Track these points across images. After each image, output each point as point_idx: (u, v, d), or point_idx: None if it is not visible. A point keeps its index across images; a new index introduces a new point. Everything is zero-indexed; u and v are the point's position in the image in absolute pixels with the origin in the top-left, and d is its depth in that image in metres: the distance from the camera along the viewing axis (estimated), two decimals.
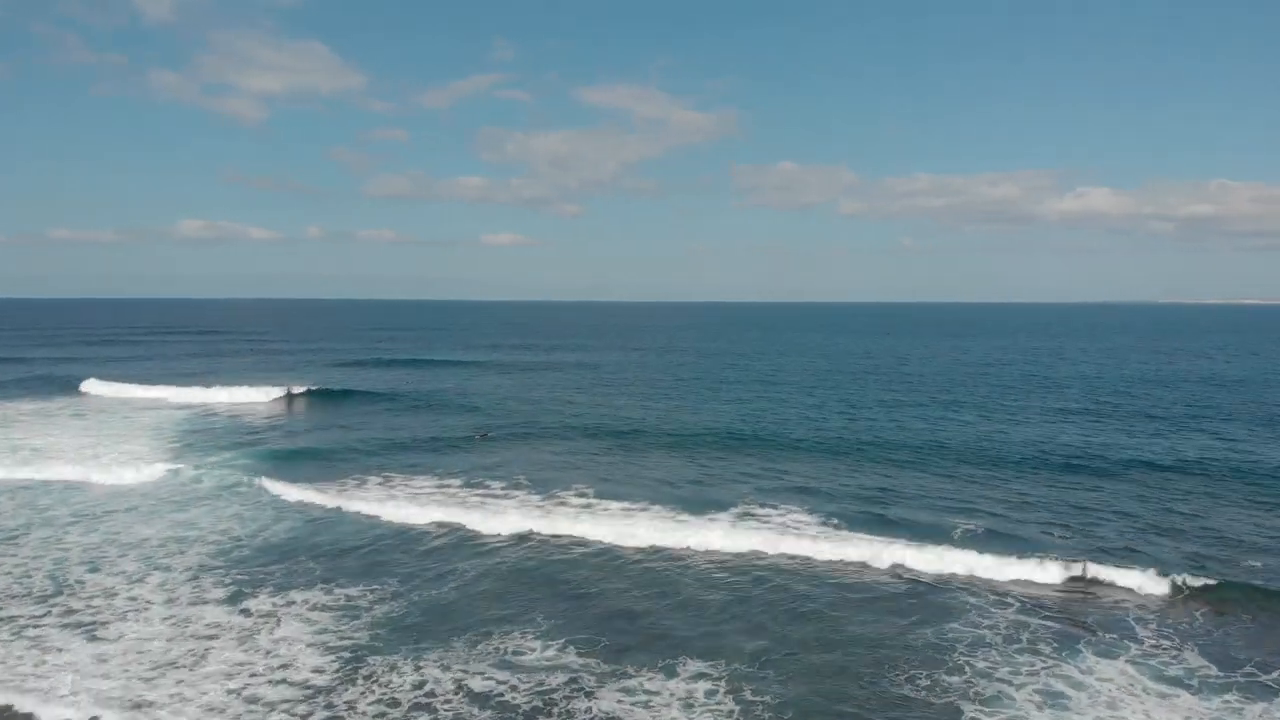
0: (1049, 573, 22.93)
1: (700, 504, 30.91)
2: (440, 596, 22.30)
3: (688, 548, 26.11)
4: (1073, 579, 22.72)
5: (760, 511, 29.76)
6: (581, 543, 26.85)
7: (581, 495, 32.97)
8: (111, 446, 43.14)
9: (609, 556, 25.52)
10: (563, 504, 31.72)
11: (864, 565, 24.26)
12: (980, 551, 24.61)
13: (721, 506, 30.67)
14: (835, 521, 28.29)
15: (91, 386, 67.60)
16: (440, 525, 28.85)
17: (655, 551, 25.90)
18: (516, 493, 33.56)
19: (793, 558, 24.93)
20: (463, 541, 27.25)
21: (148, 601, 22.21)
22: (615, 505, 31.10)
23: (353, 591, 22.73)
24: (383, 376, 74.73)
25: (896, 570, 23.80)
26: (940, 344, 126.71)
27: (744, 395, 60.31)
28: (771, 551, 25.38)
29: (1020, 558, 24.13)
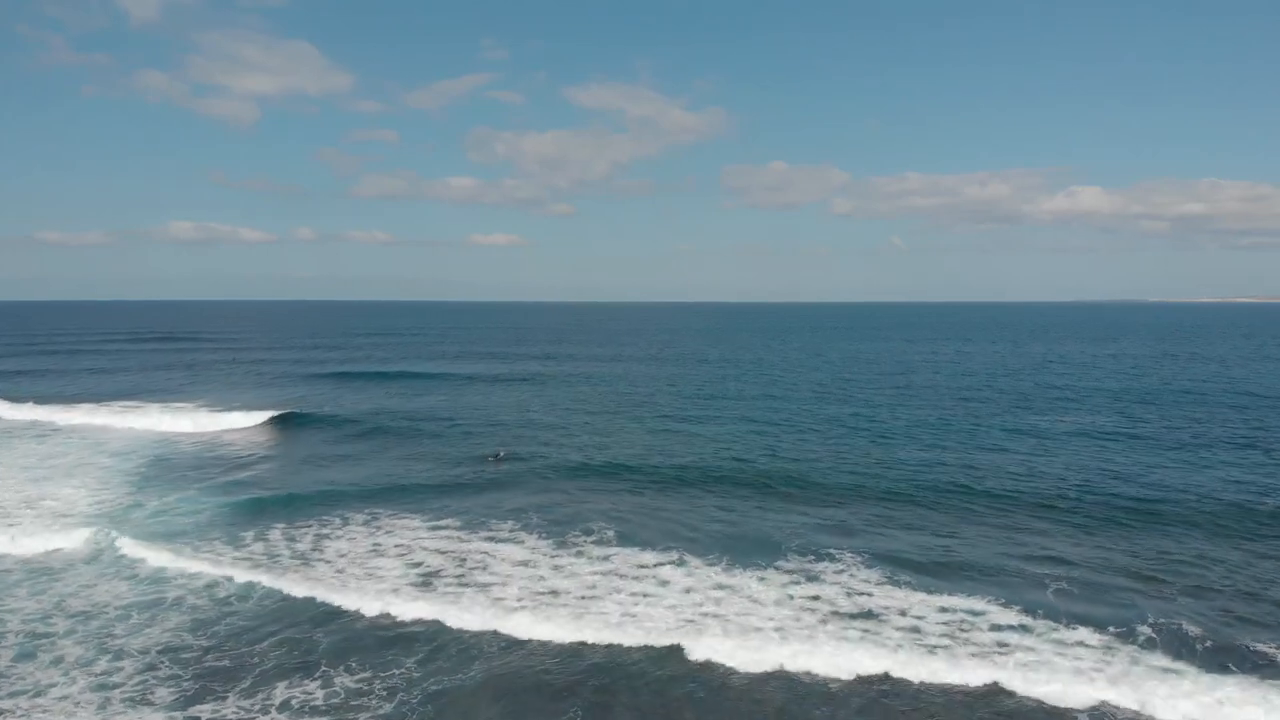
0: (1186, 680, 18.70)
1: (740, 557, 26.92)
2: (441, 710, 18.13)
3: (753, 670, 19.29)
4: (1218, 687, 18.63)
5: (815, 568, 25.78)
6: (617, 649, 20.47)
7: (601, 542, 28.94)
8: (54, 487, 38.71)
9: (660, 664, 19.80)
10: (580, 554, 27.65)
11: (963, 688, 18.37)
12: (1083, 646, 20.76)
13: (766, 556, 26.76)
14: (904, 584, 24.36)
15: None
16: (438, 614, 22.53)
17: (713, 668, 19.51)
18: (527, 538, 29.49)
19: (881, 678, 18.83)
20: (469, 636, 21.46)
21: (77, 703, 18.04)
22: (643, 558, 27.05)
23: (336, 693, 18.62)
24: (370, 393, 70.17)
25: (1011, 693, 18.11)
26: (942, 349, 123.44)
27: (755, 415, 56.19)
28: (854, 671, 19.01)
29: (1132, 652, 20.30)
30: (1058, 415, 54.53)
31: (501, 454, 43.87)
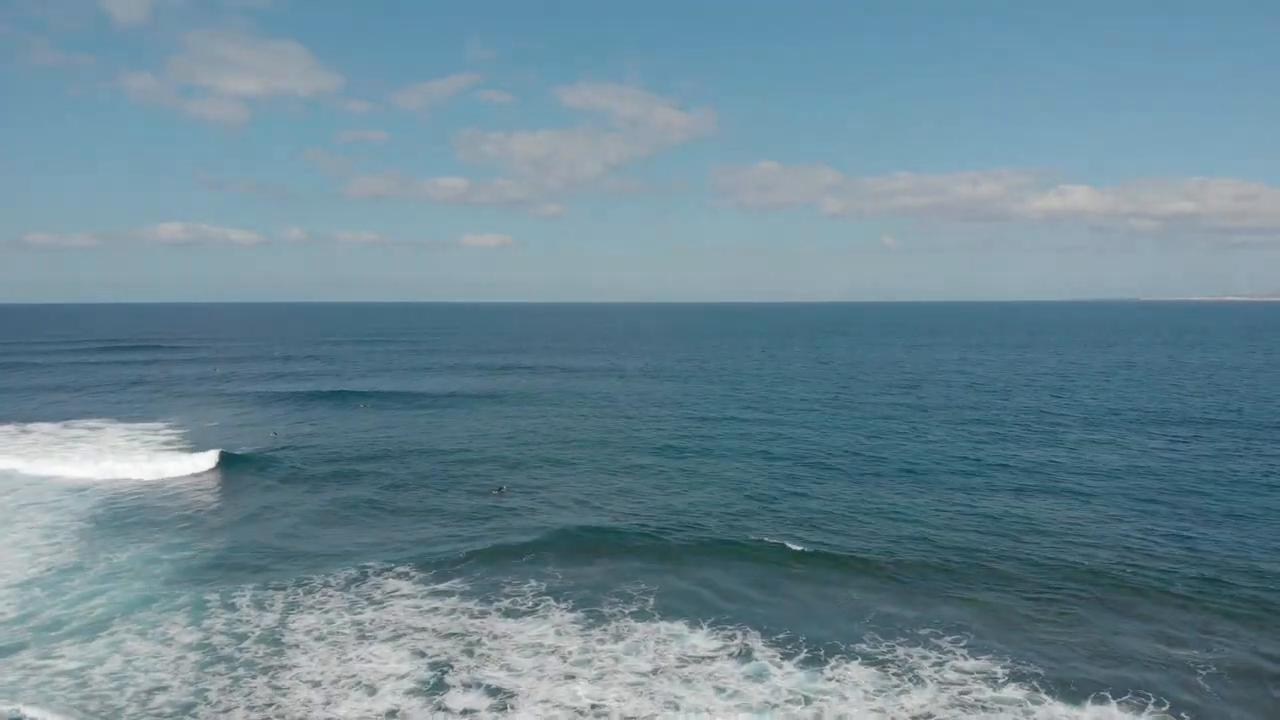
0: None
1: (811, 643, 22.11)
2: None
3: None
4: None
5: (907, 659, 20.99)
6: None
7: (639, 615, 24.07)
8: None
9: None
10: (618, 636, 22.70)
11: None
12: None
13: (841, 640, 22.04)
14: (1029, 682, 19.63)
15: None
16: None
17: None
18: (551, 611, 24.54)
19: None
20: None
21: None
22: (695, 642, 22.23)
23: None
24: (351, 418, 63.22)
25: None
26: (945, 355, 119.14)
27: (769, 445, 49.80)
28: None
29: None
30: (1103, 444, 49.36)
31: (503, 488, 39.65)
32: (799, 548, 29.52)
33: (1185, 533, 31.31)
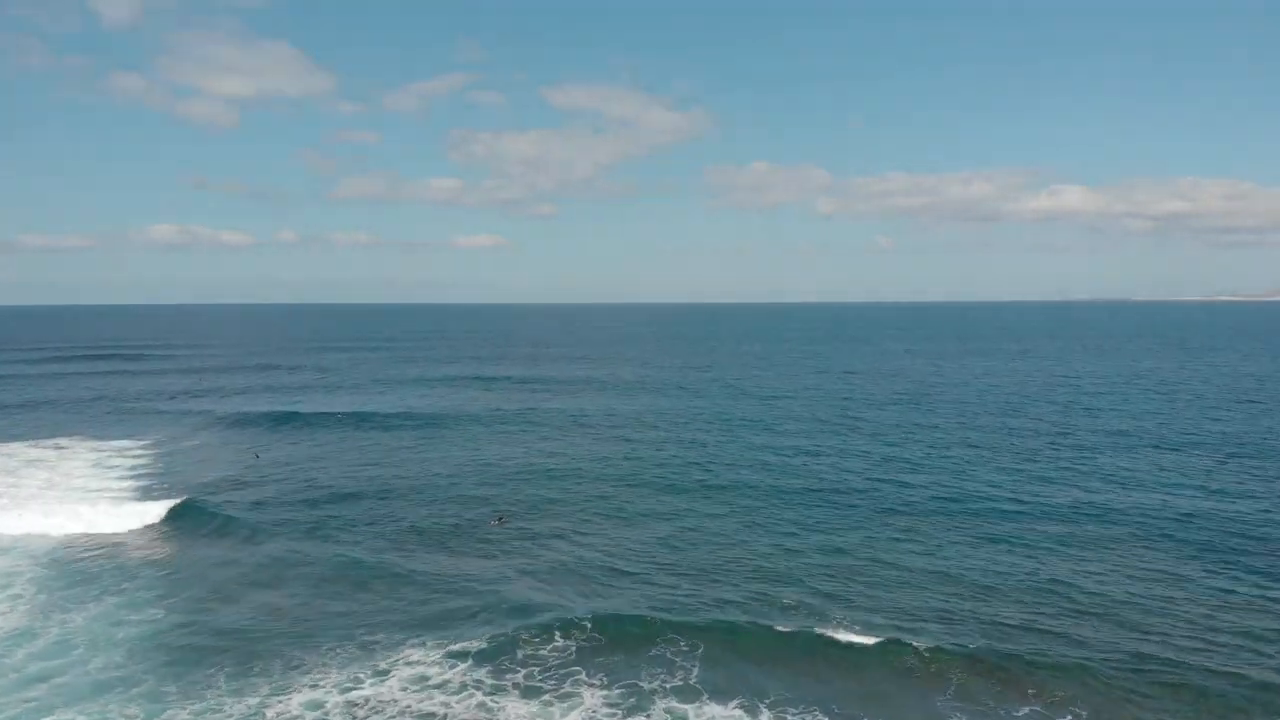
0: None
1: None
2: None
3: None
4: None
5: None
6: None
7: (684, 694, 20.62)
8: None
9: None
10: None
11: None
12: None
13: None
14: None
15: None
16: None
17: None
18: (583, 687, 21.07)
19: None
20: None
21: None
22: None
23: None
24: (334, 441, 57.52)
25: None
26: (947, 364, 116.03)
27: (780, 478, 44.29)
28: None
29: None
30: (1143, 473, 44.59)
31: (503, 518, 37.02)
32: (851, 638, 23.83)
33: (1270, 592, 27.45)
